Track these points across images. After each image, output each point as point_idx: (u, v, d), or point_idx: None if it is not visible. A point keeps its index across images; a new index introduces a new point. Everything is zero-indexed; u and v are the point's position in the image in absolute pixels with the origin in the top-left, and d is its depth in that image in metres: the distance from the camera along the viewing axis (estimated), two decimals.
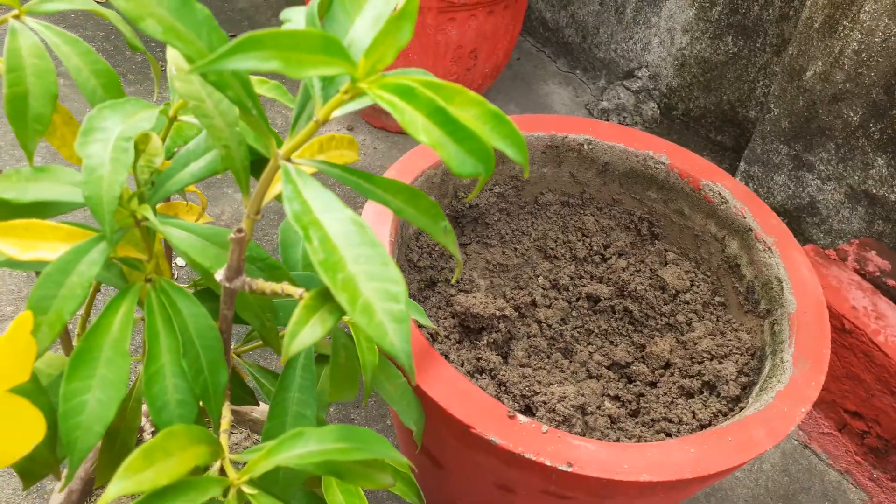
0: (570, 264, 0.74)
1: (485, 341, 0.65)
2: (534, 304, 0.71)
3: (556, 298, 0.72)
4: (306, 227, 0.28)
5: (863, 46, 0.93)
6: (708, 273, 0.72)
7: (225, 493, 0.32)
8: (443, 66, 1.16)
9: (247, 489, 0.32)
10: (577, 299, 0.72)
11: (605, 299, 0.71)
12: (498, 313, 0.65)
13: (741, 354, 0.63)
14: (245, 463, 0.34)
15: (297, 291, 0.32)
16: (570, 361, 0.68)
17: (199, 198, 0.52)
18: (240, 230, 0.32)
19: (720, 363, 0.63)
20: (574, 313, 0.72)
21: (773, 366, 0.59)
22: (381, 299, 0.27)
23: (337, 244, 0.28)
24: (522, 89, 1.46)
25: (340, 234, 0.28)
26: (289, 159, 0.31)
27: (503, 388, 0.61)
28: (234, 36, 1.52)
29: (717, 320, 0.68)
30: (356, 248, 0.28)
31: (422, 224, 0.35)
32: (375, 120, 1.29)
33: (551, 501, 0.54)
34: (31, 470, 0.41)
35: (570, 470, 0.48)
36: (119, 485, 0.27)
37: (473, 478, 0.57)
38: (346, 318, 0.46)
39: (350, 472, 0.35)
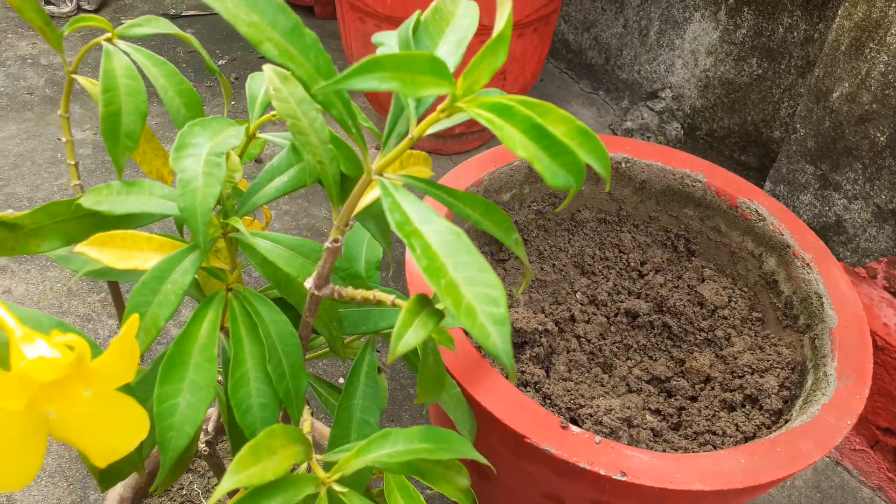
0: (608, 280, 0.76)
1: (527, 355, 0.66)
2: (572, 319, 0.72)
3: (594, 314, 0.73)
4: (409, 236, 0.30)
5: (889, 68, 0.95)
6: (745, 289, 0.73)
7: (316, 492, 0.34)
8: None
9: (337, 487, 0.34)
10: (616, 315, 0.73)
11: (643, 315, 0.72)
12: (540, 328, 0.66)
13: (782, 369, 0.64)
14: (330, 463, 0.36)
15: (388, 298, 0.34)
16: (610, 376, 0.69)
17: (264, 213, 0.54)
18: (336, 240, 0.34)
19: (761, 377, 0.64)
20: (613, 328, 0.73)
21: (815, 379, 0.60)
22: (481, 303, 0.28)
23: (437, 252, 0.29)
24: None
25: (440, 243, 0.30)
26: (380, 174, 0.33)
27: (548, 401, 0.62)
28: (261, 58, 1.56)
29: (756, 335, 0.70)
30: (455, 256, 0.29)
31: (497, 235, 0.37)
32: (426, 144, 1.32)
33: None
34: (117, 470, 0.43)
35: (623, 479, 0.49)
36: (231, 479, 0.29)
37: (521, 488, 0.59)
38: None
39: (431, 473, 0.36)
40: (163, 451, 0.36)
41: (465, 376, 0.53)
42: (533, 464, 0.53)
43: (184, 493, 0.74)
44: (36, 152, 1.29)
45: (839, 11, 0.99)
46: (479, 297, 0.28)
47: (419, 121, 0.33)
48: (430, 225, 0.30)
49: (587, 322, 0.72)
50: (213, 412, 0.64)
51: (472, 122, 1.47)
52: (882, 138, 0.99)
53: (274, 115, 0.43)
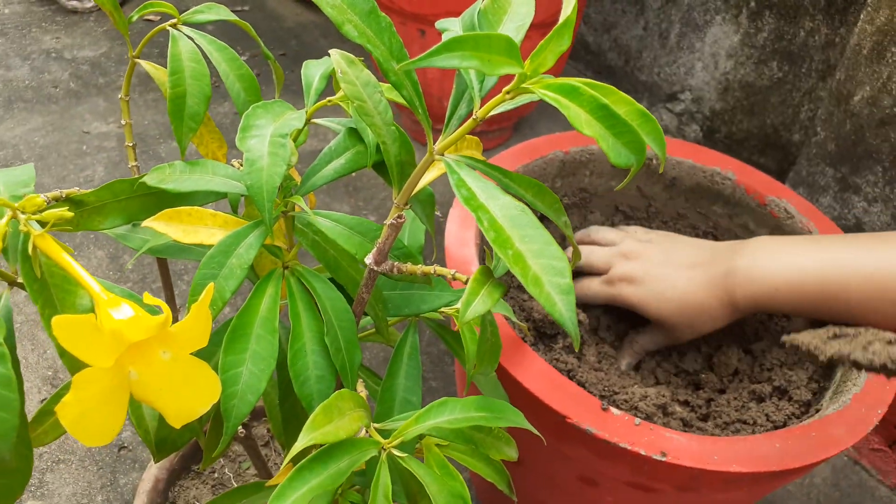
0: None
1: (560, 344, 0.67)
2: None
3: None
4: (476, 210, 0.31)
5: None
6: None
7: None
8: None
9: (397, 452, 0.35)
10: None
11: None
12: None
13: (810, 362, 0.65)
14: (384, 431, 0.37)
15: (449, 272, 0.35)
16: (639, 369, 0.70)
17: (310, 198, 0.56)
18: (400, 216, 0.35)
19: (790, 370, 0.65)
20: None
21: (844, 371, 0.61)
22: (547, 273, 0.30)
23: (503, 224, 0.31)
24: None
25: (505, 217, 0.31)
26: (442, 154, 0.35)
27: (583, 388, 0.63)
28: (283, 54, 1.58)
29: (783, 330, 0.71)
30: (521, 229, 0.31)
31: (549, 215, 0.39)
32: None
33: (634, 494, 0.56)
34: (172, 440, 0.44)
35: (663, 459, 0.50)
36: (308, 436, 0.31)
37: (556, 472, 0.60)
38: (449, 310, 0.49)
39: (483, 443, 0.38)
40: (226, 418, 0.38)
41: (506, 359, 0.54)
42: (572, 445, 0.54)
43: (216, 476, 0.75)
44: (62, 144, 1.31)
45: (861, 16, 1.00)
46: (544, 267, 0.30)
47: (482, 103, 0.35)
48: (495, 200, 0.32)
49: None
50: None
51: (492, 121, 1.48)
52: None
53: (329, 101, 0.45)
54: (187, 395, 0.33)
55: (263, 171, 0.38)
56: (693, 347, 0.72)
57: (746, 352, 0.69)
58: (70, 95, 1.43)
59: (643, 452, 0.50)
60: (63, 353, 0.33)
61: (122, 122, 0.48)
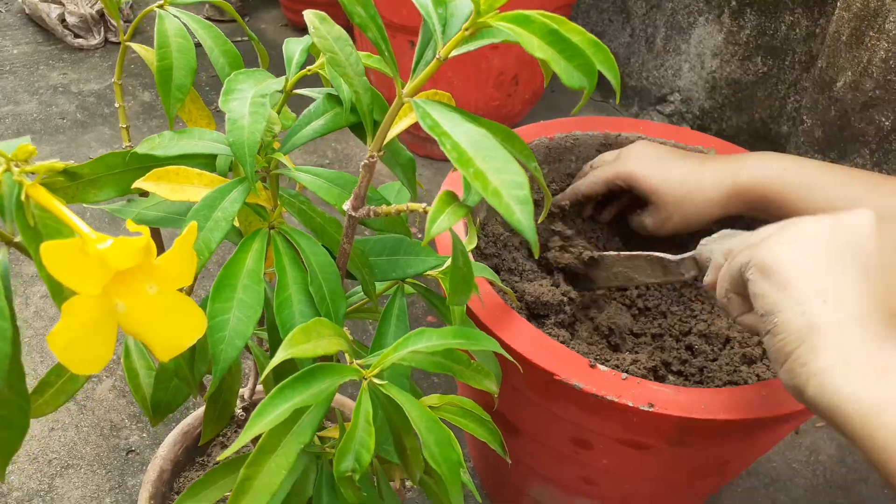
0: None
1: (552, 321, 0.69)
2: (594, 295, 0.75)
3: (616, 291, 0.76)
4: (439, 136, 0.33)
5: (890, 55, 0.98)
6: None
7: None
8: (485, 93, 1.23)
9: (377, 380, 0.36)
10: (636, 287, 0.76)
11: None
12: (565, 298, 0.69)
13: None
14: (369, 365, 0.38)
15: (420, 206, 0.37)
16: (635, 342, 0.71)
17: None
18: (372, 157, 0.37)
19: None
20: (635, 306, 0.75)
21: None
22: (507, 187, 0.31)
23: (465, 148, 0.33)
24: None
25: (467, 142, 0.33)
26: (412, 98, 0.37)
27: None
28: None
29: None
30: (483, 151, 0.33)
31: (519, 160, 0.41)
32: (420, 148, 1.36)
33: (628, 453, 0.57)
34: (166, 402, 0.46)
35: (651, 410, 0.51)
36: (285, 352, 0.32)
37: (549, 435, 0.61)
38: (435, 272, 0.51)
39: (462, 374, 0.39)
40: (215, 361, 0.39)
41: (493, 323, 0.56)
42: (561, 404, 0.55)
43: None
44: None
45: (838, 3, 1.03)
46: (504, 182, 0.32)
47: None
48: (458, 128, 0.34)
49: (611, 298, 0.75)
50: (250, 378, 0.67)
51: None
52: (887, 122, 1.01)
53: (309, 70, 0.47)
54: (173, 328, 0.35)
55: (245, 128, 0.40)
56: (689, 317, 0.73)
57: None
58: (77, 126, 1.48)
59: (631, 404, 0.51)
60: (51, 285, 0.35)
61: (117, 104, 0.50)
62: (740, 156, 0.68)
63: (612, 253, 0.70)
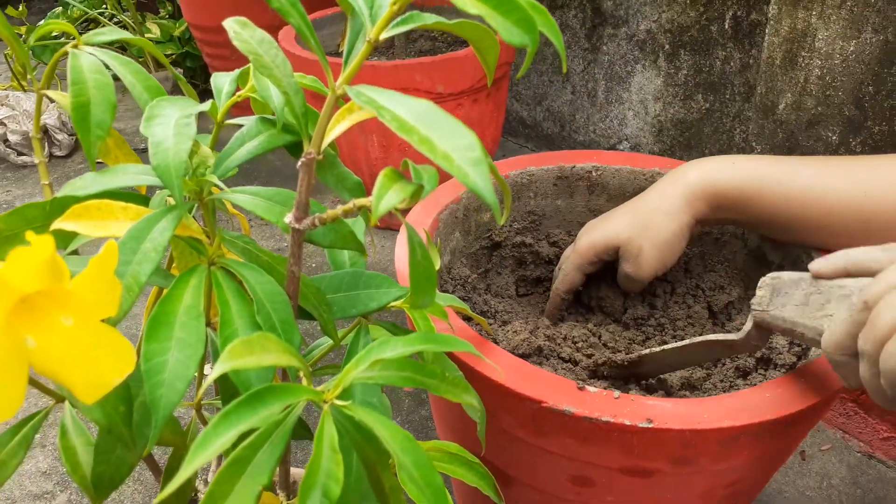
0: (599, 290, 0.75)
1: (533, 360, 0.64)
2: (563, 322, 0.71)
3: (587, 316, 0.72)
4: (378, 110, 0.30)
5: (825, 71, 1.00)
6: (735, 271, 0.73)
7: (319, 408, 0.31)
8: None
9: (339, 402, 0.32)
10: (609, 320, 0.72)
11: (640, 316, 0.71)
12: (536, 344, 0.64)
13: None
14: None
15: (368, 201, 0.33)
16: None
17: (242, 223, 0.54)
18: (308, 153, 0.34)
19: (770, 341, 0.62)
20: (608, 328, 0.72)
21: None
22: (457, 150, 0.28)
23: (407, 119, 0.30)
24: None
25: (408, 113, 0.30)
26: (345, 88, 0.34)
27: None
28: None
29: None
30: (426, 121, 0.30)
31: None
32: (381, 220, 1.34)
33: (632, 484, 0.52)
34: (109, 475, 0.40)
35: (650, 426, 0.46)
36: (223, 365, 0.27)
37: (545, 478, 0.55)
38: (399, 303, 0.47)
39: (437, 388, 0.34)
40: (154, 408, 0.34)
41: (471, 357, 0.51)
42: (554, 438, 0.50)
43: None
44: None
45: (766, 29, 1.06)
46: (454, 146, 0.29)
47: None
48: (398, 102, 0.31)
49: (584, 321, 0.71)
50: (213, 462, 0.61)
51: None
52: (834, 137, 1.03)
53: (239, 96, 0.44)
54: (96, 365, 0.30)
55: (170, 150, 0.37)
56: (665, 341, 0.70)
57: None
58: None
59: (628, 423, 0.47)
60: None
61: (37, 159, 0.47)
62: (680, 167, 0.65)
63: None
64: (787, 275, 0.49)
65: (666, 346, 0.57)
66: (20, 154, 1.67)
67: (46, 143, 1.70)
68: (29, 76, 0.44)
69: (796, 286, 0.48)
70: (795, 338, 0.48)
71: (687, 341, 0.55)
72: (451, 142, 0.28)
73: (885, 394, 0.38)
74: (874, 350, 0.38)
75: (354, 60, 0.34)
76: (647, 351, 0.59)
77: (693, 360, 0.57)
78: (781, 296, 0.49)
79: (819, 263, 0.47)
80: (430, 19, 0.34)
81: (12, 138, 1.65)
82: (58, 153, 1.70)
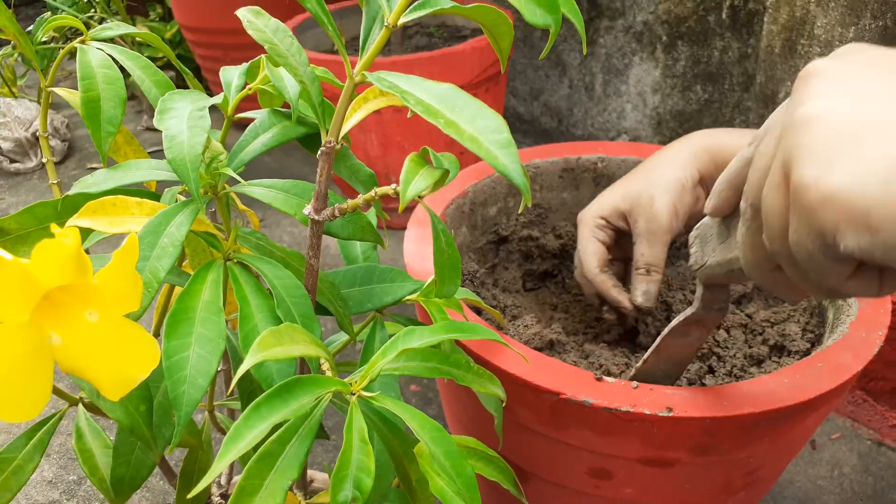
0: None
1: (546, 352, 0.64)
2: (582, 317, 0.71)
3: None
4: (402, 94, 0.30)
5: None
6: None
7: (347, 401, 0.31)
8: (437, 152, 1.21)
9: (366, 393, 0.31)
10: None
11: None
12: (553, 339, 0.64)
13: (800, 315, 0.63)
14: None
15: (391, 188, 0.33)
16: (634, 352, 0.67)
17: (252, 219, 0.53)
18: (329, 142, 0.33)
19: (783, 327, 0.62)
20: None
21: (836, 310, 0.59)
22: (484, 133, 0.28)
23: (430, 102, 0.29)
24: None
25: (433, 98, 0.30)
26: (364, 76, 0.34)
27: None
28: None
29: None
30: (450, 103, 0.29)
31: None
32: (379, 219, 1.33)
33: (652, 475, 0.51)
34: (130, 476, 0.39)
35: (670, 415, 0.46)
36: (254, 356, 0.27)
37: (564, 472, 0.55)
38: (415, 297, 0.46)
39: (463, 378, 0.34)
40: (176, 406, 0.33)
41: (485, 350, 0.51)
42: (573, 430, 0.50)
43: None
44: None
45: (765, 18, 1.06)
46: (480, 129, 0.28)
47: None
48: (421, 86, 0.30)
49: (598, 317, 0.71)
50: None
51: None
52: None
53: (250, 89, 0.44)
54: (121, 361, 0.30)
55: (185, 143, 0.36)
56: None
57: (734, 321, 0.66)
58: None
59: (647, 412, 0.46)
60: None
61: (45, 158, 0.46)
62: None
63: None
64: (705, 220, 0.46)
65: (646, 356, 0.55)
66: (13, 161, 1.66)
67: (39, 150, 1.69)
68: (25, 78, 0.43)
69: (715, 227, 0.45)
70: (741, 280, 0.45)
71: (657, 341, 0.53)
72: (477, 124, 0.28)
73: (768, 260, 0.33)
74: (755, 201, 0.33)
75: (373, 46, 0.33)
76: (634, 368, 0.57)
77: (678, 355, 0.54)
78: (708, 244, 0.46)
79: (709, 202, 0.42)
80: (446, 4, 0.33)
81: (4, 146, 1.64)
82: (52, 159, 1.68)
